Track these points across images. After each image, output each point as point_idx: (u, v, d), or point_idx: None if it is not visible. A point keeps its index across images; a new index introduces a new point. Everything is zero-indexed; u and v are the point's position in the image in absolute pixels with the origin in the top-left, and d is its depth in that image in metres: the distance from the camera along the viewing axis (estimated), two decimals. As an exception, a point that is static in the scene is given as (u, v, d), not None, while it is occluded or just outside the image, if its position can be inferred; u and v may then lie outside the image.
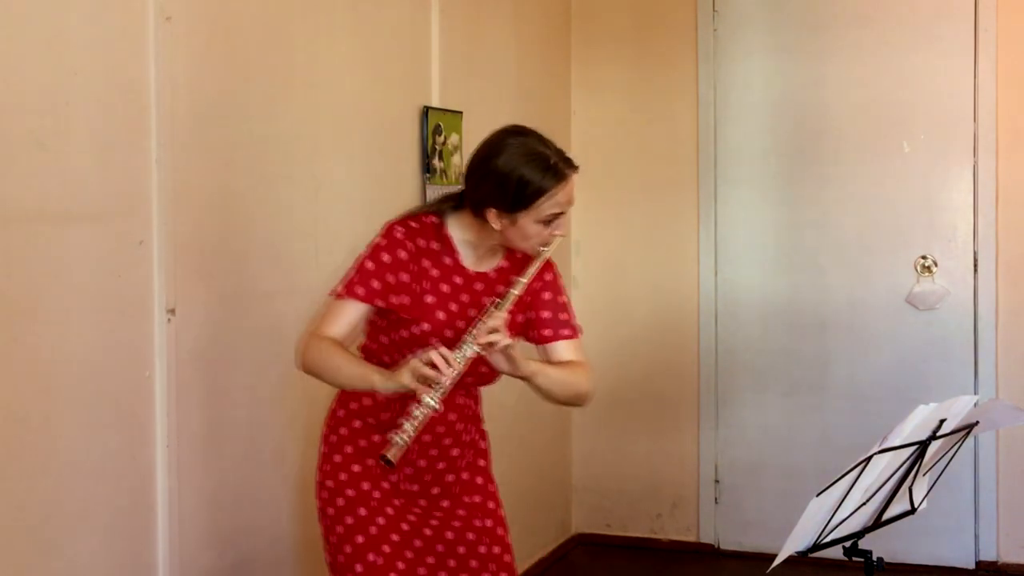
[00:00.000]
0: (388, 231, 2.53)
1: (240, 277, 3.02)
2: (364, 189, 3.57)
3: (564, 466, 5.20)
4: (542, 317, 2.63)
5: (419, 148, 3.87)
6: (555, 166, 2.43)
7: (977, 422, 2.61)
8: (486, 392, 2.73)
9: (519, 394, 4.67)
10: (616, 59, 5.21)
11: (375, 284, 2.48)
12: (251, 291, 3.06)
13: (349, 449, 2.59)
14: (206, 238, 2.88)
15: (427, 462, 2.59)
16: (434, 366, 2.32)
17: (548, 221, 2.46)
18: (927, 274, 4.78)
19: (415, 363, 2.34)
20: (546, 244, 2.51)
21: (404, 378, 2.34)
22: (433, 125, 3.90)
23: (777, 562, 2.37)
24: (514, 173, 2.42)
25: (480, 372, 2.55)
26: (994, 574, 4.74)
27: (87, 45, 2.52)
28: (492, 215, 2.46)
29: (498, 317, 2.41)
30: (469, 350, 2.39)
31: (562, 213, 2.48)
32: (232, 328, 2.99)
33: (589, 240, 5.22)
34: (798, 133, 4.96)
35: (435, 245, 2.54)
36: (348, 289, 2.49)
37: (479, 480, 2.69)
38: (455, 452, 2.62)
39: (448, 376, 2.34)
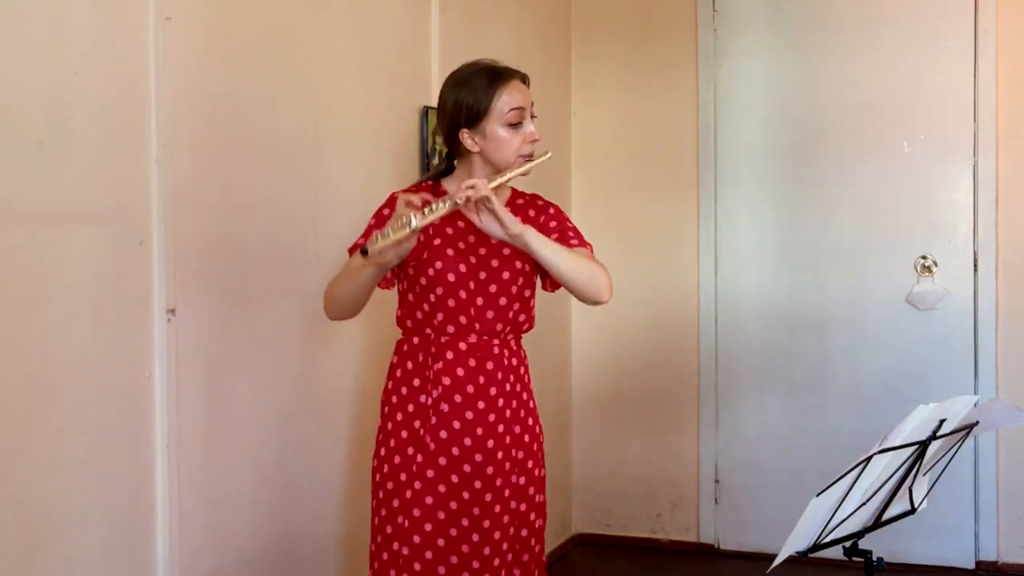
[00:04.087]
0: (389, 196, 2.79)
1: (240, 277, 3.02)
2: (364, 189, 3.57)
3: (564, 466, 5.20)
4: (551, 240, 2.75)
5: (419, 148, 3.87)
6: (496, 69, 2.72)
7: (977, 422, 2.61)
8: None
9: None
10: (616, 59, 5.21)
11: None
12: (251, 291, 3.06)
13: (399, 416, 2.75)
14: (206, 238, 2.88)
15: (474, 414, 2.70)
16: (409, 205, 2.49)
17: (514, 124, 2.68)
18: (927, 274, 4.79)
19: (401, 200, 2.52)
20: (528, 155, 2.71)
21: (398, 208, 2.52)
22: (433, 125, 3.91)
23: (777, 562, 2.37)
24: (462, 85, 2.71)
25: (500, 306, 2.72)
26: (994, 574, 4.74)
27: (87, 45, 2.52)
28: (466, 138, 2.70)
29: (475, 180, 2.57)
30: (449, 201, 2.54)
31: (523, 111, 2.69)
32: (232, 328, 2.99)
33: (589, 240, 5.21)
34: (798, 133, 4.96)
35: (433, 200, 2.73)
36: (355, 244, 2.76)
37: (526, 438, 2.78)
38: (500, 402, 2.72)
39: (426, 212, 2.49)
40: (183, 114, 2.78)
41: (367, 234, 2.76)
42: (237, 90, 3.00)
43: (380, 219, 2.76)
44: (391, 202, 2.77)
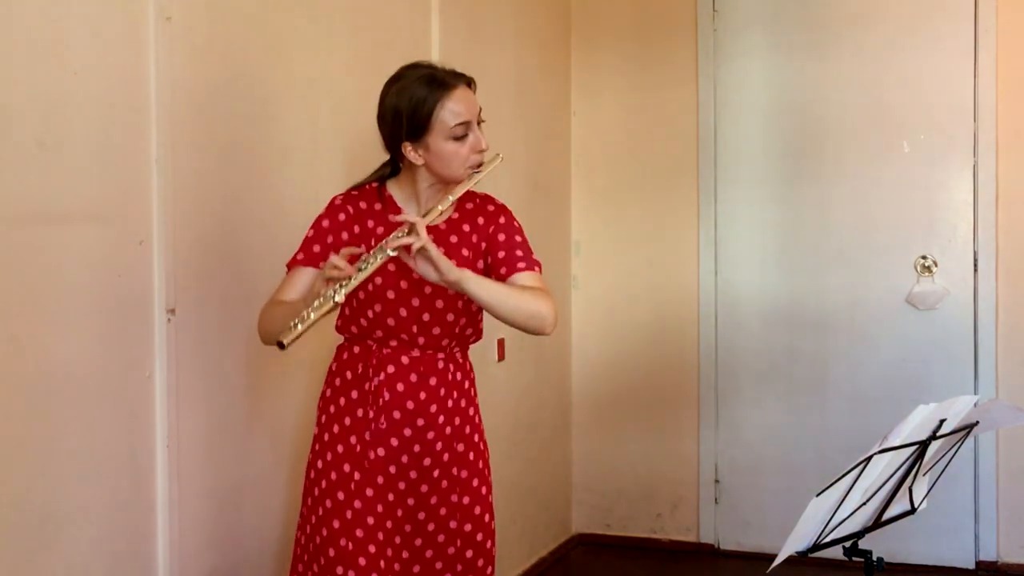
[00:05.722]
0: (329, 202, 2.69)
1: (240, 277, 3.02)
2: (364, 189, 3.56)
3: (564, 466, 5.20)
4: (498, 258, 2.66)
5: (419, 148, 3.87)
6: (440, 79, 2.54)
7: (977, 422, 2.61)
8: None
9: (520, 395, 4.67)
10: (616, 59, 5.21)
11: (315, 248, 2.64)
12: (251, 291, 3.06)
13: (336, 428, 2.66)
14: (206, 238, 2.88)
15: (413, 431, 2.61)
16: (336, 267, 2.39)
17: (459, 137, 2.54)
18: (927, 274, 4.79)
19: (325, 265, 2.42)
20: (474, 166, 2.57)
21: (315, 285, 2.45)
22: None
23: (777, 562, 2.37)
24: (403, 96, 2.54)
25: (448, 322, 2.62)
26: (994, 574, 4.74)
27: (87, 45, 2.52)
28: (408, 150, 2.56)
29: (414, 220, 2.44)
30: (381, 254, 2.43)
31: (468, 124, 2.55)
32: (232, 328, 2.99)
33: (589, 240, 5.22)
34: (798, 133, 4.97)
35: (378, 206, 2.66)
36: (292, 259, 2.67)
37: (471, 455, 2.70)
38: (441, 419, 2.64)
39: (354, 276, 2.38)
40: (183, 114, 2.78)
41: (305, 248, 2.63)
42: (237, 90, 3.00)
43: (319, 231, 2.63)
44: (331, 211, 2.64)
